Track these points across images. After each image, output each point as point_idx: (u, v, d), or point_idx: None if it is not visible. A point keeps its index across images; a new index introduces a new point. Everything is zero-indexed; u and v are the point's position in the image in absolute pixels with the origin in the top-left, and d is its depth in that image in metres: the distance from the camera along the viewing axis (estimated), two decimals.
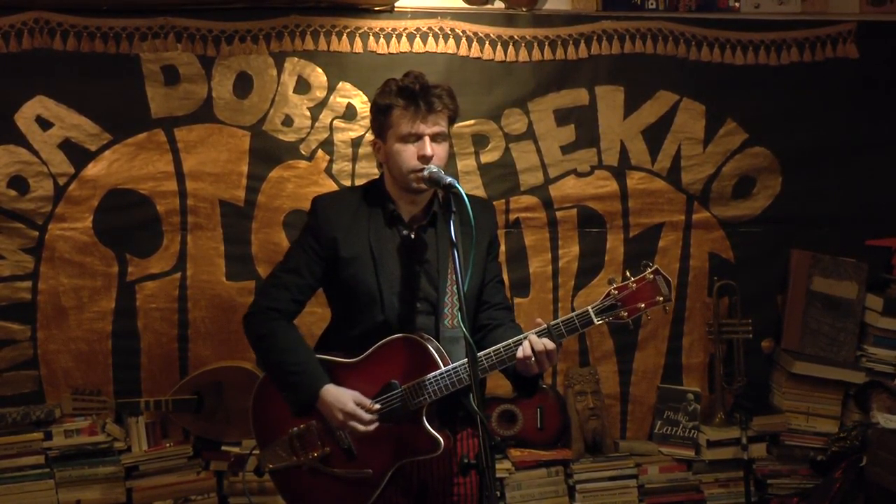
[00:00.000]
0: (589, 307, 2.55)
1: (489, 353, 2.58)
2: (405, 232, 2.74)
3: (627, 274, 2.56)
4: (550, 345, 2.51)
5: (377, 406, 2.66)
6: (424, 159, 2.61)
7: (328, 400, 2.67)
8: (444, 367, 2.62)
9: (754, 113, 4.19)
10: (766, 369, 4.31)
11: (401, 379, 2.65)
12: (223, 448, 3.89)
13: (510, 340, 2.57)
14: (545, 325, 2.55)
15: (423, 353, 2.63)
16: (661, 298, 2.54)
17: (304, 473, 2.78)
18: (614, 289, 2.54)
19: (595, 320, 2.54)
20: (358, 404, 2.65)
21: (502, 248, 3.69)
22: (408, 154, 2.63)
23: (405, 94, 2.64)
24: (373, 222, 2.74)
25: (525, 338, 2.53)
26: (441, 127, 2.65)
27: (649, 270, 2.55)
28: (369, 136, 3.81)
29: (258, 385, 2.92)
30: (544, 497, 4.02)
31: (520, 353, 2.53)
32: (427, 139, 2.62)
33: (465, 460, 2.43)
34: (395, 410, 2.66)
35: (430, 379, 2.61)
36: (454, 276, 2.52)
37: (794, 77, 4.19)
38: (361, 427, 2.64)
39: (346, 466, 2.73)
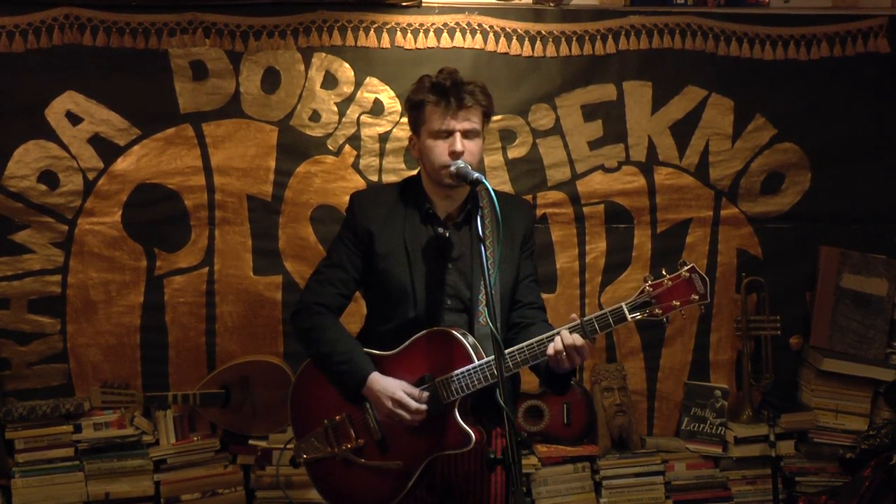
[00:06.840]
0: (623, 303, 2.52)
1: (521, 348, 2.57)
2: (439, 230, 2.74)
3: (663, 272, 2.53)
4: (580, 340, 2.50)
5: (426, 394, 2.65)
6: (454, 155, 2.62)
7: (375, 388, 2.67)
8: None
9: (783, 108, 4.16)
10: (794, 366, 4.27)
11: (435, 372, 2.65)
12: (250, 442, 3.91)
13: (542, 336, 2.56)
14: (578, 321, 2.53)
15: (459, 348, 2.63)
16: (697, 297, 2.50)
17: (337, 465, 2.80)
18: (649, 286, 2.51)
19: (628, 317, 2.51)
20: (407, 394, 2.64)
21: None
22: (439, 150, 2.64)
23: (437, 90, 2.65)
24: (408, 219, 2.75)
25: (557, 333, 2.52)
26: (472, 123, 2.65)
27: (685, 268, 2.51)
28: (403, 133, 3.82)
29: (296, 378, 2.93)
30: (570, 493, 4.01)
31: (550, 349, 2.52)
32: (458, 135, 2.63)
33: (492, 455, 2.43)
34: (427, 403, 2.66)
35: (461, 373, 2.61)
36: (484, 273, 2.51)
37: (824, 72, 4.15)
38: (408, 416, 2.63)
39: (378, 459, 2.73)
